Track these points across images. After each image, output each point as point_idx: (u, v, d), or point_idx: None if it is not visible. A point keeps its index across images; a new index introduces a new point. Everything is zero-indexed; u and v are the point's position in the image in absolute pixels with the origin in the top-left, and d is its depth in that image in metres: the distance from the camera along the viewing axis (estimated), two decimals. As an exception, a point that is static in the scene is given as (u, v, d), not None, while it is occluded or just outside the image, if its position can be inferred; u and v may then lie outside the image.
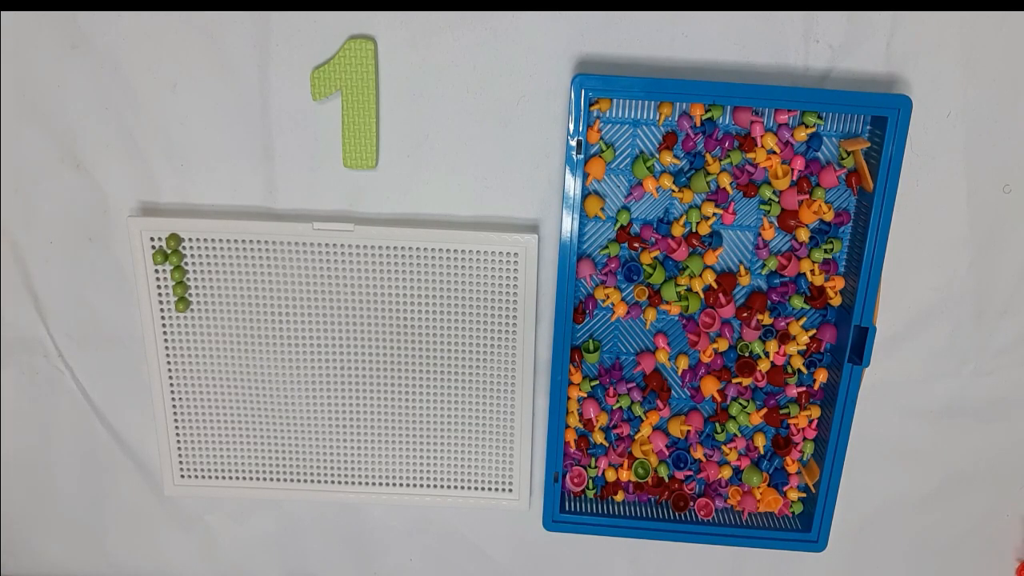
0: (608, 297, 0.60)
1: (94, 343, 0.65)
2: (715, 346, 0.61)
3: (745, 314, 0.60)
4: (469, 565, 0.71)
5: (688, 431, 0.62)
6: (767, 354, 0.61)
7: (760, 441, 0.63)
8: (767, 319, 0.60)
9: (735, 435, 0.63)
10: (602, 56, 0.56)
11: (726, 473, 0.64)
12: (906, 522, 0.68)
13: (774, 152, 0.57)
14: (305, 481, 0.67)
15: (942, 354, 0.63)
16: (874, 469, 0.66)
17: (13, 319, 0.65)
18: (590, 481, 0.65)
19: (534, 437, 0.65)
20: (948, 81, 0.57)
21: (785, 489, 0.64)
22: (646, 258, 0.59)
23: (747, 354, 0.61)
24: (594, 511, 0.64)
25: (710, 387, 0.61)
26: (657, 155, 0.58)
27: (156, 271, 0.61)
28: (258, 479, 0.67)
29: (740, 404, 0.62)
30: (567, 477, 0.64)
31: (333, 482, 0.66)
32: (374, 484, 0.66)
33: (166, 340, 0.63)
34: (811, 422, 0.62)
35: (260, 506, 0.69)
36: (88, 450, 0.68)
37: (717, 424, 0.63)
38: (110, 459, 0.68)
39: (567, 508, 0.64)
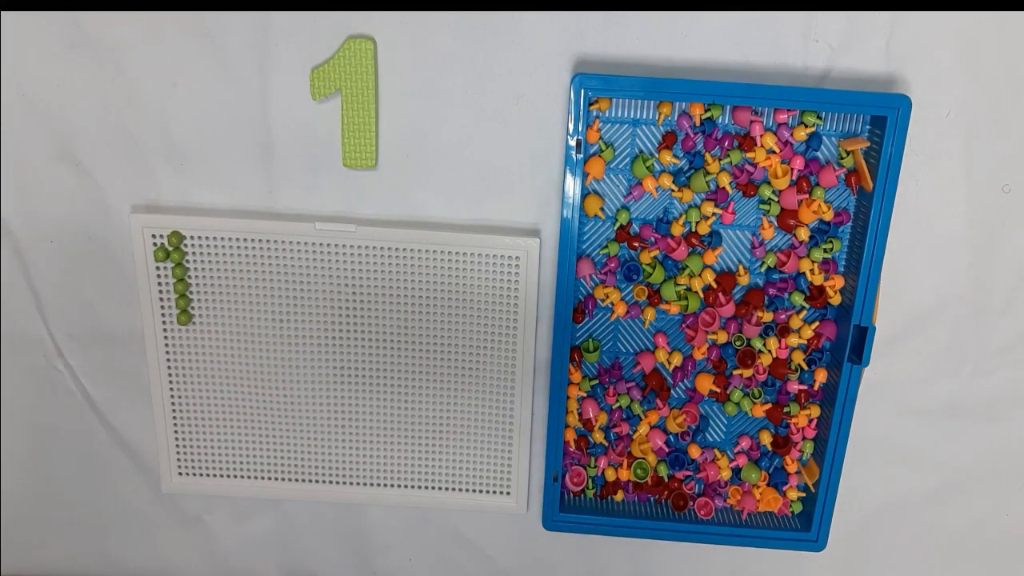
0: (608, 297, 0.60)
1: (94, 342, 0.65)
2: (714, 337, 0.61)
3: (744, 311, 0.60)
4: (469, 565, 0.71)
5: (683, 418, 0.62)
6: (769, 351, 0.61)
7: (766, 439, 0.63)
8: (767, 316, 0.60)
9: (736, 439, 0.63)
10: (602, 56, 0.56)
11: (725, 473, 0.64)
12: (906, 522, 0.68)
13: (773, 152, 0.57)
14: (305, 480, 0.67)
15: (942, 354, 0.63)
16: (874, 469, 0.66)
17: (13, 318, 0.65)
18: (590, 481, 0.65)
19: (532, 437, 0.65)
20: (948, 81, 0.57)
21: (785, 489, 0.64)
22: (646, 258, 0.59)
23: (746, 345, 0.61)
24: (594, 511, 0.64)
25: (705, 385, 0.61)
26: (657, 155, 0.58)
27: (157, 268, 0.61)
28: (257, 478, 0.67)
29: (742, 391, 0.62)
30: (567, 477, 0.64)
31: (333, 482, 0.66)
32: (374, 484, 0.66)
33: (166, 339, 0.63)
34: (811, 421, 0.62)
35: (260, 505, 0.69)
36: (88, 449, 0.68)
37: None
38: (110, 458, 0.68)
39: (567, 508, 0.64)
